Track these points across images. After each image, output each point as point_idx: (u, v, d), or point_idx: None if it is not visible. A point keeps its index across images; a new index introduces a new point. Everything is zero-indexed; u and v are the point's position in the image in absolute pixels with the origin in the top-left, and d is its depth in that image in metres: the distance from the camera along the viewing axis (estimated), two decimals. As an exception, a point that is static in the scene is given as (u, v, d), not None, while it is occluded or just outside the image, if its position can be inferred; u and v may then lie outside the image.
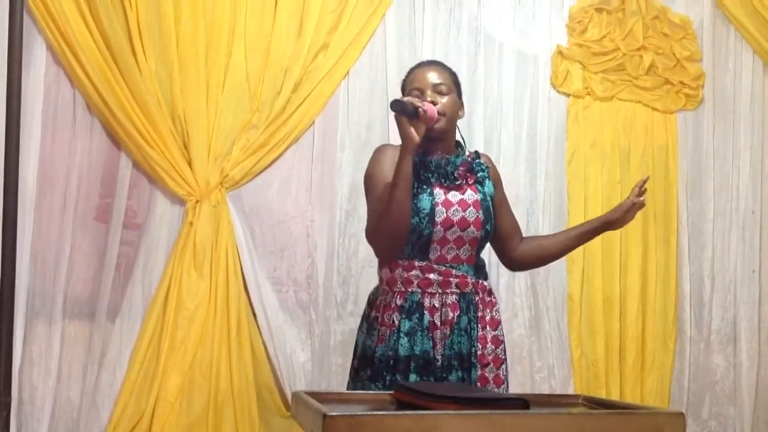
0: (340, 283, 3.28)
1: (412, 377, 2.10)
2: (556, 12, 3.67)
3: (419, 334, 2.14)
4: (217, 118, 3.11)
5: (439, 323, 2.15)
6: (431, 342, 2.14)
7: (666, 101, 3.76)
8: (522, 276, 3.51)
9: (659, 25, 3.76)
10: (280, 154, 3.22)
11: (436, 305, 2.16)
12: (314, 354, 3.23)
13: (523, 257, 2.40)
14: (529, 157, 3.58)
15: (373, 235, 2.18)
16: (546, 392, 3.36)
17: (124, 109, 2.96)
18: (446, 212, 2.17)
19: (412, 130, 2.07)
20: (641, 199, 2.39)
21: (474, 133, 3.43)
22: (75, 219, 2.98)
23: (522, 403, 1.53)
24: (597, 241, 3.57)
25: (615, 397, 3.53)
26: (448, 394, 1.57)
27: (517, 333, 3.49)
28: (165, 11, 3.03)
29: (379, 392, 1.93)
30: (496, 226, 2.30)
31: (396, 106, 2.08)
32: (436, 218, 2.15)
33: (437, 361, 2.13)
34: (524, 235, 2.45)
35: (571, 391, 3.47)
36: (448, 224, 2.16)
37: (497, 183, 2.35)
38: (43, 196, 2.95)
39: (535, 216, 3.56)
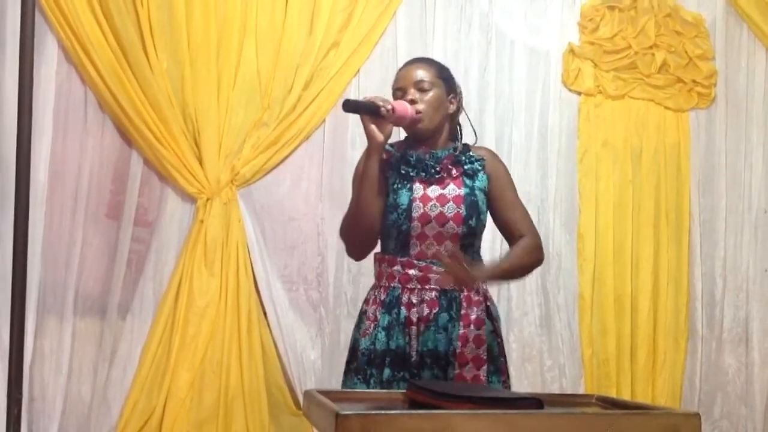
0: (351, 281, 3.27)
1: (386, 372, 2.10)
2: (567, 9, 3.65)
3: (396, 329, 2.13)
4: (228, 115, 3.11)
5: (415, 319, 2.13)
6: (406, 338, 2.13)
7: (678, 100, 3.74)
8: (533, 275, 3.42)
9: (671, 23, 3.74)
10: (291, 152, 3.22)
11: (414, 301, 2.14)
12: (324, 352, 3.22)
13: None
14: (540, 155, 3.57)
15: (341, 231, 2.23)
16: (556, 391, 3.35)
17: (135, 106, 2.97)
18: (423, 207, 2.14)
19: (374, 128, 2.07)
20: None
21: (485, 131, 3.42)
22: (86, 216, 2.99)
23: (536, 402, 1.52)
24: (608, 240, 3.58)
25: (626, 396, 3.51)
26: (461, 394, 1.56)
27: (528, 332, 3.48)
28: (176, 9, 3.03)
29: (391, 391, 1.92)
30: (498, 218, 2.25)
31: (346, 106, 2.08)
32: (413, 213, 2.14)
33: (411, 357, 2.11)
34: (535, 234, 2.28)
35: (581, 390, 3.46)
36: (425, 220, 2.14)
37: (495, 176, 2.23)
38: (54, 193, 2.96)
39: (546, 214, 3.54)
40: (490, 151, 2.34)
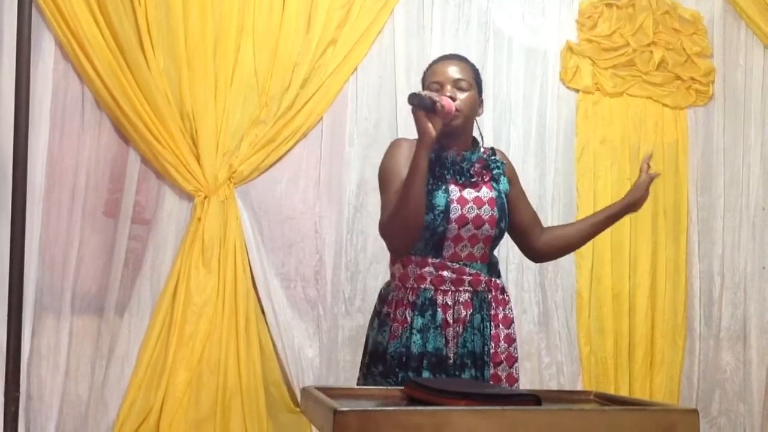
0: (348, 279, 3.27)
1: (425, 374, 2.09)
2: (565, 7, 3.65)
3: (432, 331, 2.12)
4: (225, 113, 3.11)
5: (451, 321, 2.13)
6: (444, 339, 2.12)
7: (676, 97, 3.74)
8: (531, 273, 3.50)
9: (669, 21, 3.74)
10: (289, 150, 3.21)
11: (449, 303, 2.14)
12: (322, 350, 3.22)
13: (546, 248, 2.37)
14: (538, 153, 3.57)
15: (386, 229, 2.16)
16: (555, 389, 3.35)
17: (132, 104, 2.96)
18: (461, 209, 2.15)
19: (429, 124, 2.05)
20: (655, 173, 2.36)
21: (483, 129, 3.35)
22: (83, 214, 2.99)
23: (534, 399, 1.52)
24: (606, 238, 3.57)
25: (624, 394, 3.51)
26: (459, 390, 1.55)
27: (526, 329, 3.48)
28: (173, 7, 3.03)
29: (389, 388, 1.91)
30: (515, 219, 2.29)
31: (414, 99, 2.05)
32: (450, 215, 2.14)
33: (449, 359, 2.12)
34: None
35: (579, 387, 3.46)
36: (462, 222, 2.14)
37: (513, 178, 2.33)
38: (51, 191, 2.96)
39: (544, 212, 3.53)
40: (504, 153, 2.39)
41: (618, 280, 3.61)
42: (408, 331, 2.13)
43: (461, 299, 2.14)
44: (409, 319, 2.14)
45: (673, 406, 1.63)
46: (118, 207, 3.02)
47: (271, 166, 3.19)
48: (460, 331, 2.13)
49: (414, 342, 2.12)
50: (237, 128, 3.13)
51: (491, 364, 2.13)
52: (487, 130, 3.45)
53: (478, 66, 3.43)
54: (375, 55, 3.35)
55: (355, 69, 3.31)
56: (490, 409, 1.40)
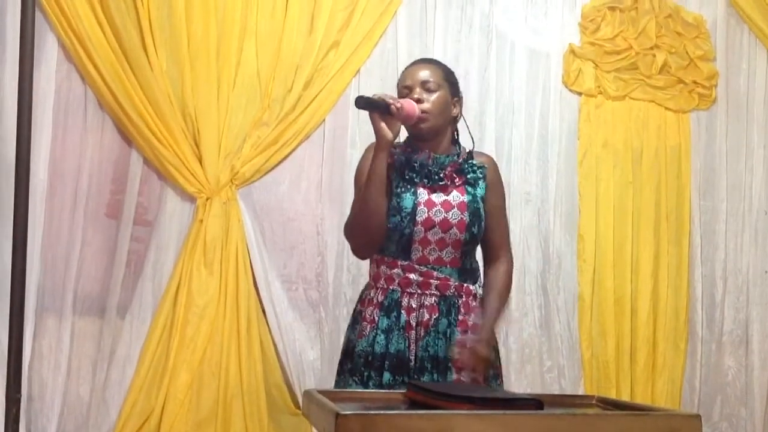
0: (350, 281, 3.27)
1: (386, 376, 2.09)
2: (568, 10, 3.65)
3: (395, 332, 2.13)
4: (227, 115, 3.11)
5: (414, 324, 2.13)
6: (406, 342, 2.12)
7: (679, 101, 3.73)
8: (532, 276, 3.50)
9: (672, 24, 3.74)
10: (291, 152, 3.22)
11: (414, 306, 2.14)
12: (323, 352, 3.22)
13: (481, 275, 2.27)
14: (540, 156, 3.56)
15: (347, 230, 2.19)
16: (556, 392, 3.34)
17: (135, 106, 2.96)
18: (428, 212, 2.14)
19: (384, 126, 2.06)
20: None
21: (485, 132, 3.42)
22: (86, 215, 2.99)
23: (536, 403, 1.52)
24: (608, 242, 3.57)
25: (625, 398, 3.51)
26: (461, 394, 1.55)
27: (527, 333, 3.48)
28: (176, 9, 3.03)
29: (391, 391, 1.91)
30: (484, 237, 2.22)
31: (359, 102, 2.06)
32: (417, 218, 2.13)
33: (411, 361, 2.11)
34: (510, 258, 2.28)
35: (581, 391, 3.45)
36: (429, 224, 2.14)
37: (493, 187, 2.25)
38: (53, 192, 2.96)
39: (546, 215, 3.54)
40: (490, 158, 2.34)
41: (620, 283, 3.60)
42: (374, 331, 2.14)
43: (426, 302, 2.14)
44: (376, 318, 2.15)
45: (676, 411, 1.63)
46: (120, 208, 3.03)
47: (273, 167, 3.20)
48: (422, 334, 2.12)
49: (378, 342, 2.13)
50: (239, 130, 3.13)
51: (454, 369, 2.10)
52: (489, 133, 3.46)
53: (480, 68, 3.49)
54: (377, 57, 3.35)
55: (358, 71, 3.32)
56: (491, 414, 1.40)
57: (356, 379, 2.12)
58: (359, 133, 3.32)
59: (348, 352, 2.20)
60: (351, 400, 1.69)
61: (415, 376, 2.09)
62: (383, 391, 2.00)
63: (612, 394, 3.47)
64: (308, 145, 3.26)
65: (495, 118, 3.49)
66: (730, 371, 3.73)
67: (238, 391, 3.02)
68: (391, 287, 2.16)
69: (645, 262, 3.63)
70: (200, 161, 3.06)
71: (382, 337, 2.13)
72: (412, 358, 2.11)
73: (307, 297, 3.24)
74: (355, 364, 2.14)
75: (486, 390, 1.96)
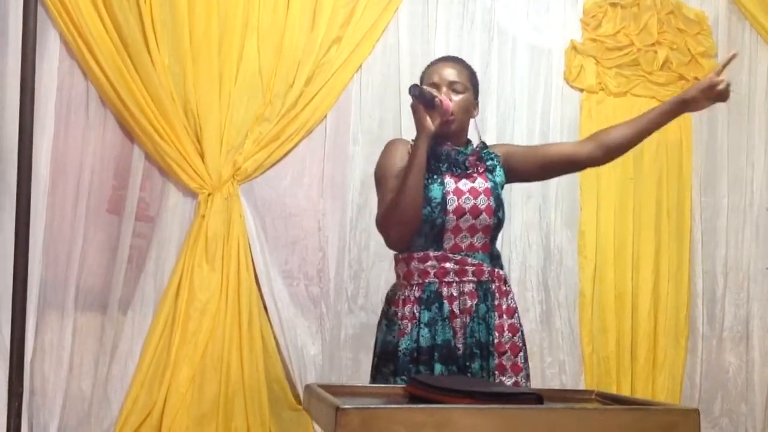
0: (351, 277, 3.28)
1: (437, 367, 2.10)
2: (570, 6, 3.65)
3: (440, 323, 2.13)
4: (229, 111, 3.11)
5: (458, 312, 2.14)
6: (452, 331, 2.13)
7: (680, 97, 3.73)
8: (533, 271, 3.50)
9: (674, 21, 3.73)
10: (293, 148, 3.22)
11: (454, 294, 2.15)
12: (325, 347, 3.23)
13: (603, 150, 2.25)
14: (541, 152, 3.56)
15: (384, 222, 2.17)
16: (557, 388, 3.35)
17: (137, 101, 2.97)
18: (458, 200, 2.17)
19: (428, 118, 2.10)
20: (720, 78, 2.14)
21: (487, 128, 3.42)
22: (87, 211, 2.99)
23: (536, 397, 1.52)
24: (609, 237, 3.57)
25: (626, 393, 3.51)
26: (461, 388, 1.56)
27: (529, 328, 3.45)
28: (178, 4, 3.03)
29: (392, 386, 1.92)
30: (551, 158, 2.29)
31: (414, 90, 2.07)
32: (447, 207, 2.15)
33: (459, 349, 2.13)
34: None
35: (581, 387, 3.46)
36: (460, 212, 2.16)
37: (511, 152, 2.31)
38: (56, 187, 2.96)
39: (547, 211, 3.54)
40: (499, 145, 2.39)
41: (621, 279, 3.61)
42: (416, 327, 2.14)
43: (466, 289, 2.16)
44: (417, 314, 2.15)
45: (675, 405, 1.63)
46: (122, 204, 3.03)
47: (275, 163, 3.20)
48: (467, 321, 2.14)
49: (422, 336, 2.12)
50: (241, 125, 3.13)
51: (496, 354, 2.14)
52: (491, 129, 3.46)
53: (482, 64, 3.48)
54: (379, 53, 3.35)
55: (360, 67, 3.32)
56: (491, 408, 1.41)
57: (404, 378, 2.09)
58: (360, 129, 3.33)
59: (387, 355, 2.17)
60: (351, 395, 1.69)
61: (467, 364, 2.11)
62: (383, 385, 2.01)
63: (612, 390, 3.47)
64: (310, 140, 3.26)
65: (496, 114, 3.50)
66: (730, 367, 3.74)
67: (239, 386, 3.03)
68: (427, 280, 2.16)
69: (646, 258, 3.64)
70: (202, 157, 3.06)
71: (426, 330, 2.13)
72: (460, 346, 2.13)
73: (308, 292, 3.25)
74: (401, 363, 2.12)
75: (486, 384, 1.96)
